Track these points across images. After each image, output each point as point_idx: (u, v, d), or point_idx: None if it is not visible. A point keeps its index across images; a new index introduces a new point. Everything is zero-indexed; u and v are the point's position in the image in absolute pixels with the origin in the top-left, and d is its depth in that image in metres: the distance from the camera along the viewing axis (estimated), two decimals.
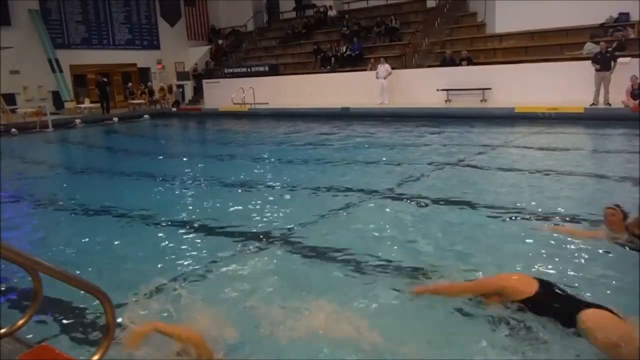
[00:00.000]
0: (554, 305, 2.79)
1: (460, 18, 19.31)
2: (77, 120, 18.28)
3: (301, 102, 18.88)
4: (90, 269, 4.13)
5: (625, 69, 12.77)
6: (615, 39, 14.21)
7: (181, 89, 24.19)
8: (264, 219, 5.49)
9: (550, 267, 3.81)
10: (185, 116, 20.93)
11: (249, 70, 22.07)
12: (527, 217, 5.03)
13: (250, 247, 4.60)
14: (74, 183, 8.80)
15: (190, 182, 7.93)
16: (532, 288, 2.87)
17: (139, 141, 14.99)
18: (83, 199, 6.88)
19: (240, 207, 6.08)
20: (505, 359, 2.66)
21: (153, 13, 25.43)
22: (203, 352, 2.44)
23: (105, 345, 1.79)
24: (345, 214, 5.59)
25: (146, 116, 20.28)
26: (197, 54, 26.03)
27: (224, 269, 4.13)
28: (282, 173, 8.32)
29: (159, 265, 4.24)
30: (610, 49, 13.12)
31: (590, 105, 12.88)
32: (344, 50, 20.24)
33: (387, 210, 5.69)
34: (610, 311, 2.70)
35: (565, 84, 13.68)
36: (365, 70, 18.39)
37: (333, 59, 20.38)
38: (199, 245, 4.81)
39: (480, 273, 3.45)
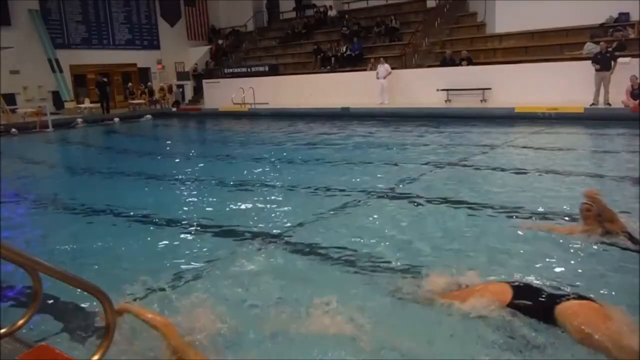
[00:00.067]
0: (532, 306, 2.83)
1: (460, 18, 19.31)
2: (79, 120, 18.28)
3: (301, 102, 18.89)
4: (89, 269, 4.13)
5: (625, 69, 12.77)
6: (615, 39, 14.21)
7: (181, 89, 24.19)
8: (264, 219, 5.49)
9: (542, 265, 3.82)
10: (185, 116, 20.93)
11: (249, 70, 22.07)
12: (527, 216, 5.03)
13: (250, 247, 4.60)
14: (73, 183, 8.81)
15: (190, 182, 7.93)
16: (507, 295, 2.91)
17: (139, 141, 14.99)
18: (83, 199, 6.88)
19: (240, 207, 6.09)
20: (505, 359, 2.66)
21: (153, 13, 25.43)
22: (172, 338, 2.45)
23: (105, 345, 1.79)
24: (344, 213, 5.59)
25: (148, 116, 20.26)
26: (197, 54, 26.03)
27: (223, 268, 4.13)
28: (282, 173, 8.32)
29: (158, 265, 4.24)
30: (610, 49, 13.12)
31: (590, 105, 12.88)
32: (344, 50, 20.24)
33: (387, 210, 5.69)
34: (588, 299, 2.75)
35: (565, 84, 13.68)
36: (365, 70, 18.39)
37: (333, 59, 20.38)
38: (198, 244, 4.81)
39: (474, 272, 3.47)
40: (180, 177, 8.26)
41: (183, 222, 5.54)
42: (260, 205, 6.12)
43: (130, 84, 23.42)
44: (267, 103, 19.64)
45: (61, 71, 21.18)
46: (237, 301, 3.43)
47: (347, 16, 22.71)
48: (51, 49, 21.11)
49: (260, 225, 5.27)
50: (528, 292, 2.96)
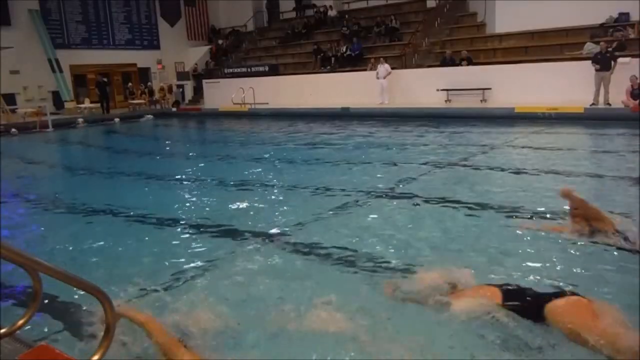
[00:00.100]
0: (521, 306, 2.86)
1: (460, 18, 19.31)
2: (80, 120, 18.27)
3: (301, 102, 18.89)
4: (89, 269, 4.13)
5: (625, 69, 12.77)
6: (615, 39, 14.21)
7: (181, 89, 24.20)
8: (264, 219, 5.49)
9: (532, 265, 3.84)
10: (185, 116, 20.93)
11: (249, 70, 22.08)
12: (526, 216, 5.03)
13: (250, 247, 4.60)
14: (73, 183, 8.81)
15: (190, 182, 7.93)
16: (497, 299, 2.93)
17: (139, 141, 14.99)
18: (83, 199, 6.88)
19: (240, 207, 6.09)
20: (504, 359, 2.67)
21: (153, 13, 25.44)
22: (157, 336, 2.46)
23: (105, 345, 1.79)
24: (344, 213, 5.59)
25: (149, 116, 20.25)
26: (197, 54, 26.04)
27: (223, 268, 4.13)
28: (281, 173, 8.32)
29: (158, 265, 4.24)
30: (610, 49, 13.12)
31: (590, 105, 12.88)
32: (344, 50, 20.25)
33: (387, 209, 5.69)
34: (577, 295, 2.79)
35: (565, 84, 13.69)
36: (365, 70, 18.39)
37: (333, 59, 20.38)
38: (198, 244, 4.81)
39: (473, 271, 3.49)
40: (180, 177, 8.26)
41: (183, 222, 5.54)
42: (260, 205, 6.13)
43: (130, 84, 23.43)
44: (267, 103, 19.64)
45: (61, 71, 21.19)
46: (236, 301, 3.43)
47: (347, 16, 22.72)
48: (51, 49, 21.12)
49: (260, 225, 5.27)
50: (517, 293, 2.98)
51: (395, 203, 5.96)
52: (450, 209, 5.50)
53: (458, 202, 5.74)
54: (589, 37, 14.95)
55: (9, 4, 20.25)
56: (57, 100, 21.01)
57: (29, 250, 1.81)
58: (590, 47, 14.33)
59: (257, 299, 3.47)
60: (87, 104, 21.08)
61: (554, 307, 2.73)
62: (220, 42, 25.94)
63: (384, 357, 2.73)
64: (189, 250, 4.64)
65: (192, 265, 4.25)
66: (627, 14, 14.90)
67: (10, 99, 19.39)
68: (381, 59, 17.51)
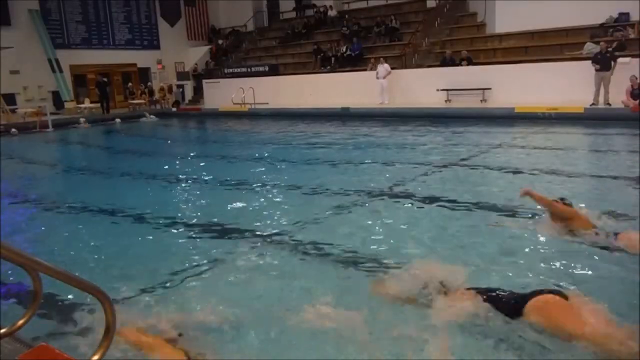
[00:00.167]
0: (502, 307, 2.93)
1: (460, 18, 19.31)
2: (82, 120, 18.25)
3: (301, 102, 18.88)
4: (89, 269, 4.14)
5: (625, 69, 12.77)
6: (615, 39, 14.21)
7: (181, 89, 24.19)
8: (264, 219, 5.49)
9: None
10: (185, 116, 20.93)
11: (249, 70, 22.07)
12: (526, 216, 5.03)
13: (249, 247, 4.60)
14: (74, 183, 8.81)
15: (190, 181, 7.94)
16: (479, 300, 2.99)
17: (139, 141, 14.99)
18: (83, 199, 6.87)
19: (240, 207, 6.09)
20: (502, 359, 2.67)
21: (153, 13, 25.43)
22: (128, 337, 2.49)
23: (105, 345, 1.79)
24: (344, 213, 5.59)
25: (152, 116, 20.19)
26: (197, 54, 26.03)
27: (222, 268, 4.14)
28: (281, 173, 8.33)
29: (158, 264, 4.24)
30: (610, 49, 13.11)
31: (590, 105, 12.88)
32: (344, 50, 20.24)
33: (386, 209, 5.69)
34: (557, 293, 2.86)
35: (565, 84, 13.68)
36: (365, 70, 18.39)
37: (333, 59, 20.38)
38: (197, 244, 4.81)
39: (466, 270, 3.52)
40: (180, 177, 8.27)
41: (183, 222, 5.54)
42: (260, 205, 6.13)
43: (130, 84, 23.41)
44: (267, 103, 19.64)
45: (61, 71, 21.18)
46: (236, 301, 3.43)
47: (347, 16, 22.71)
48: (51, 49, 21.11)
49: (260, 225, 5.27)
50: (495, 298, 3.03)
51: (395, 203, 5.96)
52: (450, 209, 5.51)
53: (458, 202, 5.74)
54: (589, 37, 14.94)
55: (9, 4, 20.24)
56: (57, 100, 21.00)
57: (29, 250, 1.81)
58: (590, 47, 14.33)
59: (257, 299, 3.47)
60: (87, 104, 21.07)
61: (531, 308, 2.81)
62: (220, 42, 25.93)
63: (384, 356, 2.73)
64: (189, 250, 4.64)
65: (192, 265, 4.25)
66: (627, 14, 14.90)
67: (10, 99, 19.38)
68: (381, 59, 17.50)
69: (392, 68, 17.10)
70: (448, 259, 3.91)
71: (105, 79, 21.30)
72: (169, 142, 14.69)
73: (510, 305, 2.91)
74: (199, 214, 5.97)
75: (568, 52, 14.95)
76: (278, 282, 3.76)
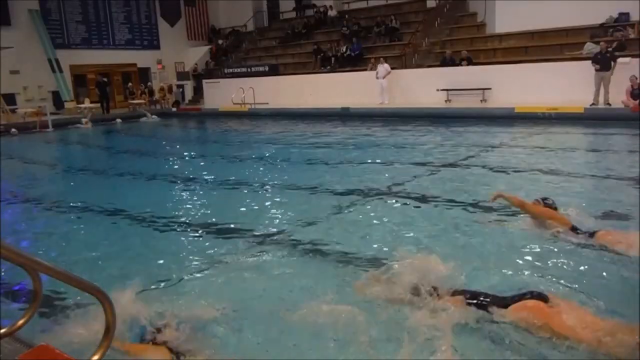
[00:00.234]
0: (486, 309, 2.98)
1: (460, 18, 19.31)
2: (84, 120, 18.22)
3: (301, 102, 18.89)
4: (89, 269, 4.14)
5: (625, 69, 12.77)
6: (615, 39, 14.21)
7: (181, 89, 24.19)
8: (264, 219, 5.50)
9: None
10: (185, 116, 20.93)
11: (249, 70, 22.08)
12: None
13: (249, 246, 4.60)
14: (74, 183, 8.81)
15: (190, 181, 7.93)
16: (463, 302, 3.05)
17: (140, 141, 14.99)
18: (83, 199, 6.88)
19: (240, 207, 6.09)
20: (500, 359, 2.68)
21: (153, 13, 25.43)
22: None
23: (105, 345, 1.78)
24: (344, 213, 5.59)
25: (154, 116, 20.15)
26: (197, 54, 26.03)
27: (222, 268, 4.13)
28: (281, 173, 8.33)
29: (158, 264, 4.25)
30: (610, 49, 13.11)
31: (590, 105, 12.88)
32: (344, 50, 20.24)
33: (386, 209, 5.70)
34: (537, 296, 2.91)
35: (565, 84, 13.68)
36: (365, 70, 18.39)
37: (333, 59, 20.38)
38: (197, 244, 4.81)
39: (461, 270, 3.54)
40: (180, 177, 8.26)
41: (183, 222, 5.54)
42: (260, 205, 6.13)
43: (130, 84, 23.41)
44: (267, 103, 19.64)
45: (61, 71, 21.19)
46: (236, 300, 3.43)
47: (347, 16, 22.71)
48: (51, 49, 21.11)
49: (259, 224, 5.27)
50: (481, 298, 3.07)
51: (395, 203, 5.96)
52: (451, 209, 5.51)
53: (458, 202, 5.74)
54: (589, 37, 14.94)
55: (9, 4, 20.25)
56: (57, 100, 21.00)
57: (29, 250, 1.81)
58: (590, 47, 14.33)
59: (257, 298, 3.47)
60: (87, 104, 21.02)
61: (512, 313, 2.89)
62: (220, 42, 25.94)
63: (384, 356, 2.73)
64: (189, 250, 4.64)
65: (192, 264, 4.25)
66: (627, 14, 14.90)
67: (10, 99, 19.38)
68: (381, 59, 17.50)
69: (392, 68, 17.11)
70: (447, 259, 3.91)
71: (105, 79, 21.31)
72: (169, 142, 14.69)
73: (493, 308, 2.97)
74: (199, 213, 5.97)
75: (568, 52, 14.95)
76: (278, 282, 3.76)
